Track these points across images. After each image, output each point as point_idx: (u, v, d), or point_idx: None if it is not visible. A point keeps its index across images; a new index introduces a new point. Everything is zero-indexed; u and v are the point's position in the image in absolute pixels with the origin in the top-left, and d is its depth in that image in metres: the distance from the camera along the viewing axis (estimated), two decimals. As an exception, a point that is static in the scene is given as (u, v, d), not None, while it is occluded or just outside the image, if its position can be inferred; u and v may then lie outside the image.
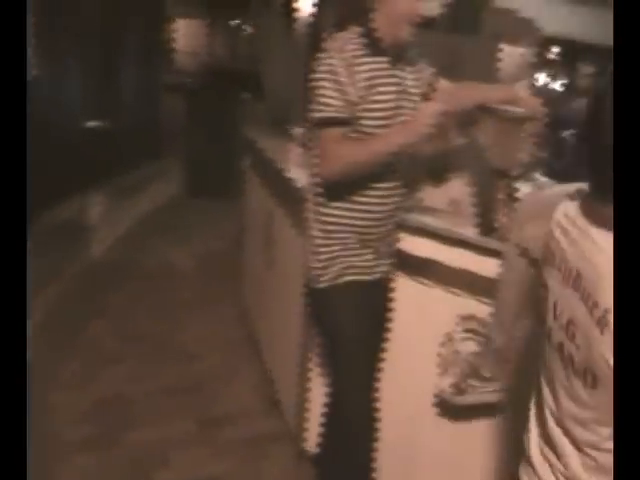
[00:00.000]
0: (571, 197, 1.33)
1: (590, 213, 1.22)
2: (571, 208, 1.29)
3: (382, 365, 2.36)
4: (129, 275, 4.64)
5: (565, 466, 1.30)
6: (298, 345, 2.64)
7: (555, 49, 10.34)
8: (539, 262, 2.02)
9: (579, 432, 1.27)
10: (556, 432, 1.32)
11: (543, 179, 3.49)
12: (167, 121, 7.60)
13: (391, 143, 1.94)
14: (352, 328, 2.11)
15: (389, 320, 2.32)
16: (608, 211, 1.15)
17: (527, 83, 3.46)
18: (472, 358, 2.20)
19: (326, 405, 2.22)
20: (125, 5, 7.14)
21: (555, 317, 1.30)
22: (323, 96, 1.93)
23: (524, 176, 3.32)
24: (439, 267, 2.32)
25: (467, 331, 2.29)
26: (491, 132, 2.27)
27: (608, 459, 1.22)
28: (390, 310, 2.31)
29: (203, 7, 11.38)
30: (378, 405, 2.35)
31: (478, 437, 2.34)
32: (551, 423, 1.33)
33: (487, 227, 2.29)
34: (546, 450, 1.36)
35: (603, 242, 1.17)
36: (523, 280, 2.10)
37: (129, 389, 3.21)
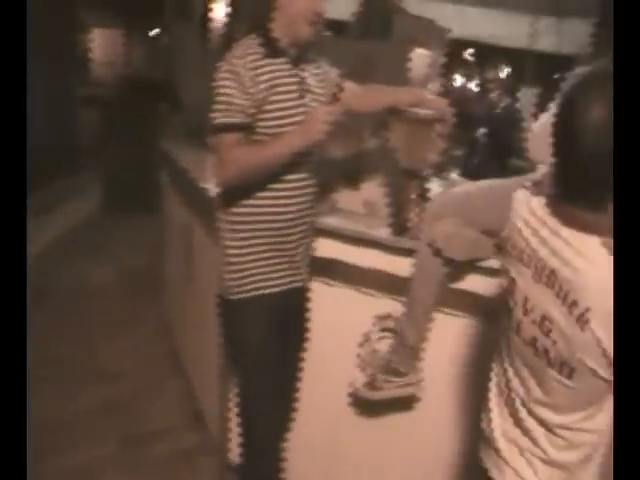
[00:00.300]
0: (534, 192, 1.39)
1: (560, 214, 1.27)
2: (536, 205, 1.34)
3: (303, 369, 2.37)
4: (47, 295, 4.48)
5: (534, 444, 1.35)
6: (218, 357, 2.60)
7: (469, 50, 10.67)
8: (454, 261, 2.08)
9: (550, 416, 1.32)
10: (526, 417, 1.37)
11: (457, 177, 3.59)
12: (84, 135, 7.38)
13: (285, 147, 1.93)
14: (262, 341, 2.08)
15: (307, 327, 2.32)
16: (579, 213, 1.22)
17: (436, 85, 3.56)
18: (386, 354, 2.24)
19: (238, 417, 2.20)
20: (37, 14, 6.88)
21: (525, 312, 1.34)
22: (218, 102, 1.92)
23: (438, 175, 3.41)
24: (354, 269, 2.34)
25: (384, 330, 2.32)
26: (400, 134, 2.31)
27: (579, 437, 1.30)
28: (308, 317, 2.31)
29: (120, 16, 11.10)
30: (300, 408, 2.39)
31: (398, 434, 2.37)
32: (520, 408, 1.38)
33: (400, 227, 2.32)
34: (512, 431, 1.40)
35: (579, 244, 1.22)
36: (436, 278, 2.15)
37: (51, 414, 3.09)
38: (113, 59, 10.04)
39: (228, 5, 3.64)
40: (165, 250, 4.07)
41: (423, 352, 2.23)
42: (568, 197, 1.25)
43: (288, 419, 2.38)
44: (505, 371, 1.43)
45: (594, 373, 1.22)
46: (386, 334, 2.30)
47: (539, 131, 2.22)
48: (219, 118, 1.92)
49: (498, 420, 1.45)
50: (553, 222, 1.28)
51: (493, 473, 1.45)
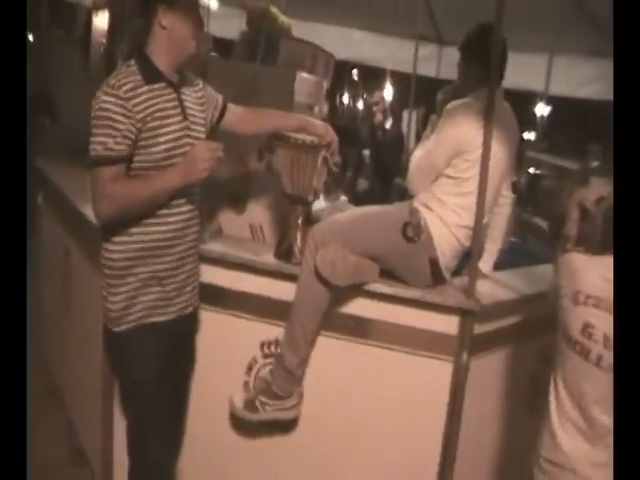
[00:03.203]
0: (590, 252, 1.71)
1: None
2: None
3: (191, 398, 2.34)
4: None
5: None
6: (100, 391, 2.49)
7: (354, 70, 11.01)
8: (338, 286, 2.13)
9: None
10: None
11: (344, 200, 3.66)
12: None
13: (166, 184, 1.90)
14: (150, 373, 2.01)
15: (194, 354, 2.28)
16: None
17: (323, 108, 3.63)
18: (265, 375, 2.25)
19: (128, 449, 2.12)
20: None
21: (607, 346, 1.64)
22: (95, 135, 1.85)
23: (326, 197, 3.46)
24: (241, 296, 2.33)
25: (269, 356, 2.32)
26: (284, 160, 2.31)
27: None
28: (194, 344, 2.27)
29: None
30: (188, 439, 2.33)
31: (283, 458, 2.39)
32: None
33: (287, 252, 2.33)
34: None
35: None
36: (318, 304, 2.19)
37: None
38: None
39: (109, 24, 3.53)
40: (42, 277, 3.84)
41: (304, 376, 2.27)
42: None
43: (177, 448, 2.33)
44: (578, 399, 1.69)
45: None
46: (272, 360, 2.31)
47: (416, 163, 2.31)
48: (96, 151, 1.85)
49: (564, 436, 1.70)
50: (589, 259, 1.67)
51: None
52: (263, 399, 2.24)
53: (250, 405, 2.25)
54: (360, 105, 10.04)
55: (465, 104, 2.29)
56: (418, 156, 2.32)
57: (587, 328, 1.67)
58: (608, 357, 1.62)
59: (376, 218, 2.31)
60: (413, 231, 2.21)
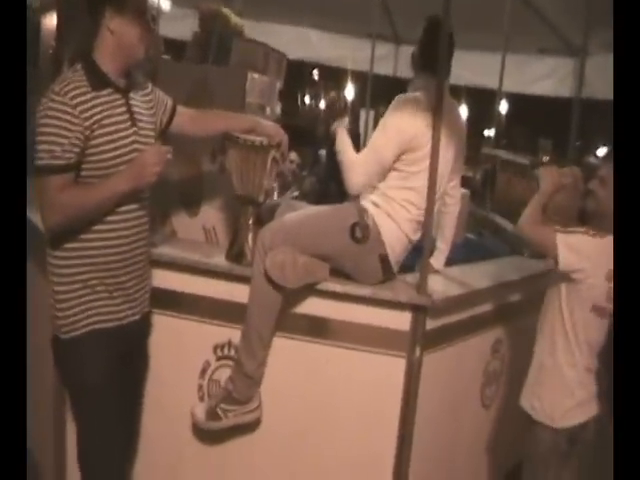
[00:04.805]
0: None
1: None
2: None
3: (144, 401, 2.32)
4: None
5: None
6: (52, 405, 2.45)
7: (315, 71, 11.07)
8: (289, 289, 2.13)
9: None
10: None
11: (296, 198, 3.66)
12: None
13: (115, 191, 1.88)
14: (101, 379, 1.98)
15: (146, 360, 2.26)
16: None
17: (275, 109, 3.62)
18: (225, 383, 2.24)
19: (79, 460, 2.09)
20: None
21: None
22: (42, 142, 1.81)
23: (280, 196, 3.46)
24: (193, 299, 2.32)
25: (223, 358, 2.31)
26: (235, 160, 2.31)
27: None
28: (146, 349, 2.25)
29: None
30: (143, 443, 2.33)
31: (241, 460, 2.39)
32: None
33: (238, 254, 2.33)
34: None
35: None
36: (271, 306, 2.19)
37: None
38: None
39: (57, 25, 3.46)
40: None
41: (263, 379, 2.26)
42: None
43: (132, 452, 2.31)
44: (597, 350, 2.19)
45: None
46: (225, 362, 2.30)
47: (361, 163, 2.29)
48: (43, 160, 1.81)
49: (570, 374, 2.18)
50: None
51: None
52: (225, 406, 2.23)
53: (212, 414, 2.23)
54: (322, 105, 10.03)
55: (413, 99, 2.30)
56: (362, 156, 2.29)
57: (609, 295, 2.09)
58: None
59: (324, 219, 2.31)
60: (361, 232, 2.22)
